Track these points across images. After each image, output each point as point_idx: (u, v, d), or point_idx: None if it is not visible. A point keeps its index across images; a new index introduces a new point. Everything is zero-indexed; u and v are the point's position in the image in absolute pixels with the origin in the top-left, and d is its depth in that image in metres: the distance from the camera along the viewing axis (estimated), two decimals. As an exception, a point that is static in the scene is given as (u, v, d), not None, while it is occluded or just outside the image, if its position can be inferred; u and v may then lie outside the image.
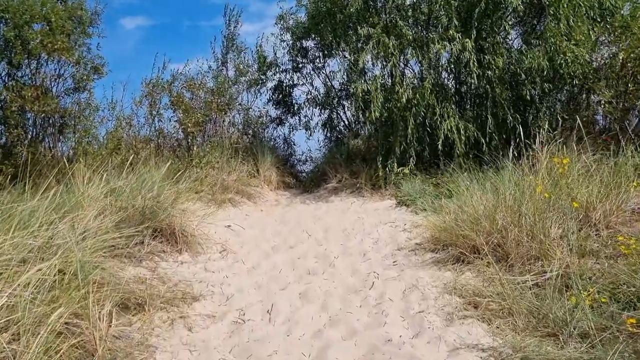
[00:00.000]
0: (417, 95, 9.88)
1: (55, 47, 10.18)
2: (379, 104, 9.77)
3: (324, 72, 14.26)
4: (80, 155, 10.97)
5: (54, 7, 9.83)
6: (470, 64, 9.48)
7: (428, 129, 10.27)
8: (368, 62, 10.03)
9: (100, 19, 11.78)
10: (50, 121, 11.83)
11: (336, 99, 13.67)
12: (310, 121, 13.67)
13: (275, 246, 7.01)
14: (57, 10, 9.74)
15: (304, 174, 14.46)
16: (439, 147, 9.70)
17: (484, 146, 9.77)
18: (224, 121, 12.39)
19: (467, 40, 9.50)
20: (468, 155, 9.91)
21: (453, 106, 10.12)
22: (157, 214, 6.48)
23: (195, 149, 11.35)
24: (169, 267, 6.02)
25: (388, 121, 10.60)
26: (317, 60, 14.04)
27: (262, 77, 14.16)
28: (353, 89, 10.61)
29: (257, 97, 14.24)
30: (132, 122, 12.16)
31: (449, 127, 9.80)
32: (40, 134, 11.72)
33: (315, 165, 13.32)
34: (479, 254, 5.42)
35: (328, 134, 13.86)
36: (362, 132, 13.23)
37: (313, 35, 13.63)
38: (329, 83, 14.10)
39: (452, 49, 9.51)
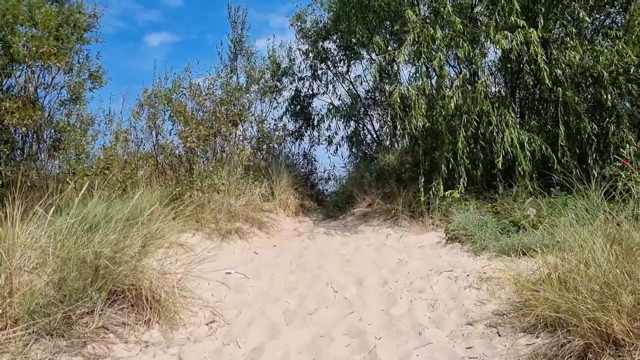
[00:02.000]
0: (468, 101, 7.63)
1: (41, 51, 8.33)
2: (422, 111, 7.54)
3: (347, 78, 12.06)
4: (67, 176, 8.93)
5: (41, 7, 8.01)
6: (539, 59, 7.19)
7: (481, 142, 7.98)
8: (405, 59, 7.72)
9: (99, 23, 9.90)
10: (43, 136, 9.98)
11: (362, 109, 11.43)
12: (335, 135, 11.42)
13: (287, 311, 4.80)
14: (46, 11, 7.90)
15: (326, 196, 12.24)
16: (498, 165, 7.39)
17: (555, 163, 7.45)
18: (232, 135, 10.22)
19: (532, 30, 7.23)
20: (533, 176, 7.60)
21: (512, 114, 7.82)
22: (114, 269, 4.30)
23: (197, 167, 9.19)
24: (126, 354, 3.85)
25: (431, 133, 8.33)
26: (340, 64, 11.85)
27: (278, 83, 11.98)
28: (389, 94, 8.38)
29: (272, 108, 12.09)
30: (129, 137, 10.07)
31: (509, 140, 7.49)
32: (28, 150, 9.82)
33: (340, 186, 11.08)
34: (619, 347, 3.18)
35: (354, 150, 11.61)
36: (394, 146, 10.95)
37: (334, 37, 11.47)
38: (353, 91, 11.89)
39: (512, 41, 7.23)
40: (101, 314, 4.16)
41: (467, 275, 5.27)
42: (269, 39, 12.25)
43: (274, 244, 7.96)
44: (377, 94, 11.68)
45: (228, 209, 8.78)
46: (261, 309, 4.81)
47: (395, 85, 8.00)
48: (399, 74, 10.06)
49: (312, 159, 12.99)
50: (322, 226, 9.17)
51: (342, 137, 11.28)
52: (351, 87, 12.03)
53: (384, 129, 11.62)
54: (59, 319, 3.95)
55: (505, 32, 7.24)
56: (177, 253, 7.32)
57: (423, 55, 7.68)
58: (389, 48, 9.51)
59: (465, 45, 7.55)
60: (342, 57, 11.77)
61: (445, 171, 7.90)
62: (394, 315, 4.53)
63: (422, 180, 8.08)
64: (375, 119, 11.96)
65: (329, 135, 11.68)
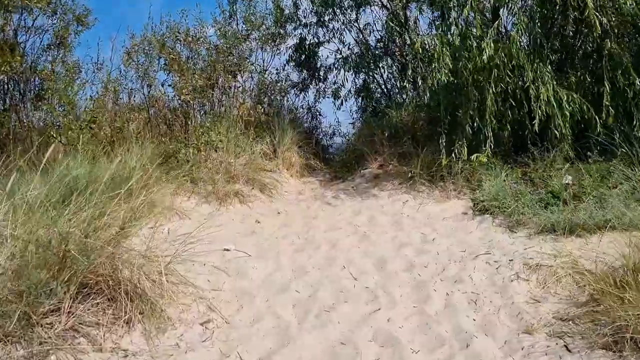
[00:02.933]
0: (501, 52, 6.58)
1: (19, -11, 7.39)
2: (446, 64, 6.51)
3: (356, 26, 10.88)
4: (51, 129, 7.99)
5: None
6: (589, 3, 6.13)
7: (511, 100, 6.97)
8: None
9: None
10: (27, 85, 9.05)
11: (372, 60, 10.29)
12: (342, 87, 10.30)
13: (298, 304, 3.95)
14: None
15: (332, 154, 11.27)
16: (535, 126, 6.44)
17: (598, 125, 6.49)
18: (231, 87, 9.15)
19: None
20: (571, 139, 6.66)
21: (549, 68, 6.79)
22: (84, 258, 3.41)
23: (192, 122, 8.19)
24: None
25: (455, 88, 7.32)
26: (348, 10, 10.65)
27: (280, 31, 10.81)
28: (410, 44, 7.33)
29: (274, 57, 10.94)
30: (118, 88, 9.03)
31: (546, 99, 6.51)
32: (10, 101, 8.89)
33: (348, 143, 10.07)
34: None
35: (363, 104, 10.54)
36: (406, 101, 9.90)
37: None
38: (363, 40, 10.74)
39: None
40: (70, 313, 3.30)
41: (510, 260, 4.40)
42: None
43: (278, 209, 7.06)
44: (389, 44, 10.54)
45: (227, 169, 7.87)
46: (267, 302, 3.97)
47: (418, 34, 6.90)
48: (417, 22, 8.99)
49: (317, 113, 11.96)
50: (329, 189, 8.26)
51: (350, 90, 10.20)
52: (360, 35, 10.87)
53: (397, 82, 10.54)
54: (16, 319, 3.09)
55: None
56: (170, 220, 6.46)
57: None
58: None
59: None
60: (350, 2, 10.57)
61: (470, 131, 6.94)
62: (429, 315, 3.68)
63: (444, 140, 7.11)
64: (386, 71, 10.86)
65: (336, 88, 10.56)
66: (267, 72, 10.72)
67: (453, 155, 7.02)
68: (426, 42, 6.74)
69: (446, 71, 6.57)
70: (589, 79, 7.22)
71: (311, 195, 7.96)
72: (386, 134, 8.88)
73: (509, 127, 7.03)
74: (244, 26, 10.74)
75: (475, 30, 6.88)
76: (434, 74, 6.72)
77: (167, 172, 7.56)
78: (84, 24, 9.30)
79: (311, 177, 9.32)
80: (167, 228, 5.97)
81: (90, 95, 9.04)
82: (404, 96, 10.79)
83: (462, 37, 6.87)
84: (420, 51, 6.65)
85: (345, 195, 7.71)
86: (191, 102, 8.03)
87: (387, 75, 10.69)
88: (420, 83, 7.48)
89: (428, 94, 6.92)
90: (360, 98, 10.32)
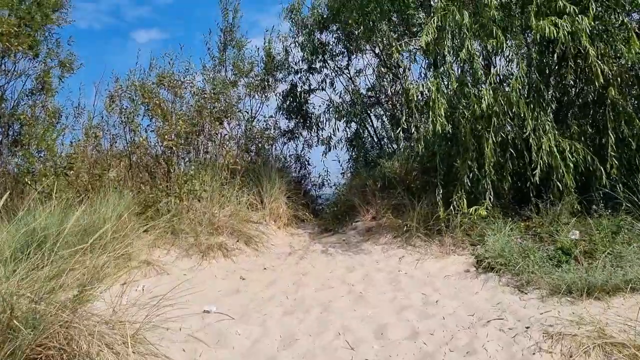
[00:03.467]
0: (500, 100, 6.25)
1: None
2: (442, 112, 6.15)
3: (347, 73, 10.62)
4: (25, 175, 7.46)
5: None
6: (590, 52, 5.84)
7: (511, 150, 6.59)
8: (428, 45, 6.28)
9: (69, 3, 8.52)
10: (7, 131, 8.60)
11: (363, 109, 9.96)
12: (333, 136, 9.91)
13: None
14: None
15: (321, 205, 10.79)
16: (536, 177, 6.05)
17: (603, 177, 6.11)
18: (217, 134, 8.72)
19: (582, 17, 5.89)
20: (576, 191, 6.27)
21: (550, 117, 6.45)
22: (37, 325, 2.84)
23: (175, 170, 7.69)
24: None
25: (451, 138, 6.96)
26: (339, 57, 10.42)
27: (270, 78, 10.52)
28: (404, 91, 7.01)
29: (262, 104, 10.61)
30: (99, 133, 8.59)
31: (548, 149, 6.14)
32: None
33: (338, 194, 9.60)
34: None
35: (354, 153, 10.14)
36: (398, 151, 9.51)
37: (334, 27, 10.03)
38: (354, 87, 10.44)
39: (560, 30, 5.85)
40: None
41: (527, 327, 3.87)
42: (266, 30, 10.78)
43: (264, 264, 6.51)
44: (380, 92, 10.26)
45: (210, 220, 7.35)
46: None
47: (412, 82, 6.58)
48: (409, 69, 8.70)
49: (306, 162, 11.53)
50: (319, 242, 7.73)
51: (342, 139, 9.81)
52: (350, 83, 10.59)
53: (389, 131, 10.20)
54: None
55: (553, 17, 5.85)
56: (146, 276, 5.88)
57: (447, 44, 6.26)
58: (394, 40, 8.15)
59: (499, 34, 6.15)
60: (341, 49, 10.34)
61: (468, 183, 6.51)
62: (441, 396, 3.10)
63: (440, 192, 6.66)
64: (377, 120, 10.54)
65: (326, 137, 10.16)
66: (255, 120, 10.35)
67: (451, 207, 6.57)
68: (420, 90, 6.34)
69: (442, 120, 6.18)
70: (589, 129, 6.91)
71: (300, 249, 7.41)
72: (378, 185, 8.45)
73: (509, 178, 6.60)
74: (232, 72, 10.48)
75: (469, 78, 6.59)
76: (429, 123, 6.33)
77: (146, 222, 7.03)
78: (68, 69, 8.93)
79: (300, 229, 8.80)
80: (142, 285, 5.39)
81: (70, 141, 8.60)
82: (396, 146, 10.45)
83: (459, 84, 6.54)
84: (415, 99, 6.28)
85: (337, 249, 7.19)
86: (174, 148, 7.56)
87: (379, 124, 10.37)
88: (413, 132, 7.06)
89: (422, 144, 6.45)
90: (351, 147, 9.91)
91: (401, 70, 9.68)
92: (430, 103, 6.29)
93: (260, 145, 9.90)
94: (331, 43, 10.31)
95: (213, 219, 7.40)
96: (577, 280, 4.42)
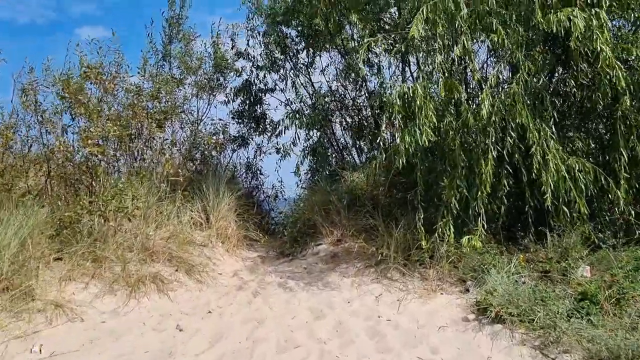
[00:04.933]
0: (499, 107, 5.14)
1: None
2: (429, 120, 4.99)
3: (308, 74, 9.34)
4: None
5: None
6: (607, 53, 4.80)
7: (507, 167, 5.48)
8: (419, 38, 5.08)
9: None
10: None
11: (326, 114, 8.67)
12: (293, 144, 8.55)
13: None
14: None
15: (276, 222, 9.46)
16: (547, 200, 4.98)
17: (620, 202, 5.11)
18: (155, 139, 7.24)
19: (598, 11, 4.89)
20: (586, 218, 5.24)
21: (553, 129, 5.40)
22: None
23: (101, 181, 6.19)
24: None
25: (437, 151, 5.81)
26: (301, 54, 9.15)
27: (220, 77, 9.13)
28: (379, 95, 5.84)
29: (210, 106, 9.19)
30: (10, 135, 6.93)
31: (555, 167, 5.07)
32: None
33: (296, 211, 8.28)
34: None
35: (315, 164, 8.84)
36: (367, 162, 8.29)
37: (295, 21, 8.74)
38: (316, 90, 9.17)
39: (572, 25, 4.80)
40: None
41: None
42: (213, 23, 9.39)
43: (209, 304, 5.18)
44: (345, 97, 9.05)
45: (143, 244, 6.00)
46: None
47: (392, 84, 5.40)
48: (389, 68, 7.53)
49: (258, 172, 10.18)
50: (275, 271, 6.44)
51: (304, 148, 8.47)
52: (311, 85, 9.31)
53: (355, 140, 9.00)
54: None
55: (570, 9, 4.77)
56: (51, 323, 4.43)
57: (439, 39, 5.09)
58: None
59: (499, 28, 5.04)
60: (303, 46, 9.06)
61: (456, 206, 5.36)
62: None
63: (421, 216, 5.49)
64: (339, 126, 9.31)
65: (283, 144, 8.80)
66: (202, 123, 8.92)
67: (436, 235, 5.40)
68: (404, 92, 5.14)
69: (429, 129, 5.02)
70: (592, 144, 5.92)
71: (253, 280, 6.11)
72: (344, 202, 7.21)
73: (504, 200, 5.49)
74: (178, 69, 9.02)
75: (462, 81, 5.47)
76: (412, 133, 5.14)
77: (61, 248, 5.57)
78: None
79: (251, 252, 7.49)
80: (38, 345, 3.95)
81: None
82: (358, 157, 9.27)
83: (448, 88, 5.38)
84: (399, 103, 5.09)
85: (297, 281, 5.92)
86: (99, 155, 6.07)
87: (339, 132, 9.15)
88: (386, 143, 5.84)
89: (404, 157, 5.22)
90: (312, 157, 8.62)
91: (369, 72, 8.52)
92: (415, 109, 5.12)
93: (207, 152, 8.48)
94: (293, 37, 9.00)
95: (147, 243, 6.00)
96: (629, 347, 3.29)
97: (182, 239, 6.43)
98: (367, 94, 8.73)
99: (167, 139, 7.64)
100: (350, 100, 9.07)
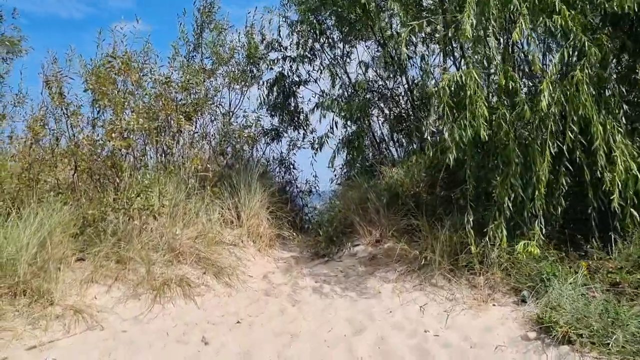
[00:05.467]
0: (559, 98, 4.53)
1: None
2: (482, 113, 4.43)
3: (343, 64, 8.80)
4: None
5: None
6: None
7: (567, 164, 4.86)
8: (471, 26, 4.47)
9: None
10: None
11: (365, 104, 8.10)
12: (328, 136, 7.99)
13: None
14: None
15: (308, 216, 9.01)
16: (614, 202, 4.37)
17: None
18: (184, 132, 6.83)
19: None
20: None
21: (621, 122, 4.76)
22: None
23: (126, 177, 5.83)
24: None
25: (486, 147, 5.22)
26: (338, 44, 8.62)
27: (253, 68, 8.68)
28: (434, 84, 5.29)
29: (243, 97, 8.76)
30: (38, 128, 6.62)
31: (623, 165, 4.45)
32: None
33: (330, 207, 7.77)
34: None
35: (350, 158, 8.31)
36: (409, 157, 7.72)
37: (330, 9, 8.21)
38: (353, 80, 8.64)
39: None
40: None
41: None
42: (248, 12, 8.90)
43: (238, 313, 4.72)
44: (384, 87, 8.50)
45: (170, 244, 5.60)
46: None
47: (445, 71, 4.84)
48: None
49: (291, 166, 9.74)
50: (310, 274, 5.97)
51: (340, 141, 7.92)
52: (346, 76, 8.77)
53: (395, 134, 8.46)
54: None
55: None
56: (70, 330, 4.08)
57: (493, 21, 4.50)
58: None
59: (563, 8, 4.42)
60: (339, 35, 8.53)
61: (510, 207, 4.78)
62: None
63: (471, 217, 4.93)
64: (377, 118, 8.75)
65: (319, 137, 8.29)
66: (234, 115, 8.51)
67: (487, 239, 4.85)
68: (455, 81, 4.55)
69: (482, 123, 4.45)
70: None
71: (285, 284, 5.64)
72: (384, 200, 6.68)
73: (562, 201, 4.87)
74: (209, 60, 8.63)
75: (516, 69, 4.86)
76: (463, 127, 4.59)
77: (83, 248, 5.23)
78: (16, 50, 7.15)
79: (284, 252, 7.04)
80: (51, 357, 3.58)
81: (9, 135, 6.72)
82: (396, 151, 8.72)
83: (503, 77, 4.78)
84: (448, 92, 4.53)
85: (333, 286, 5.44)
86: (125, 149, 5.70)
87: (377, 125, 8.59)
88: (429, 136, 5.24)
89: (454, 153, 4.65)
90: (349, 150, 8.09)
91: (410, 62, 7.95)
92: (466, 100, 4.55)
93: (238, 146, 8.04)
94: (329, 26, 8.47)
95: (173, 243, 5.61)
96: None
97: (211, 238, 6.02)
98: (407, 85, 8.14)
99: (196, 132, 7.24)
100: (388, 91, 8.50)
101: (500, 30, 4.67)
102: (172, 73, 7.29)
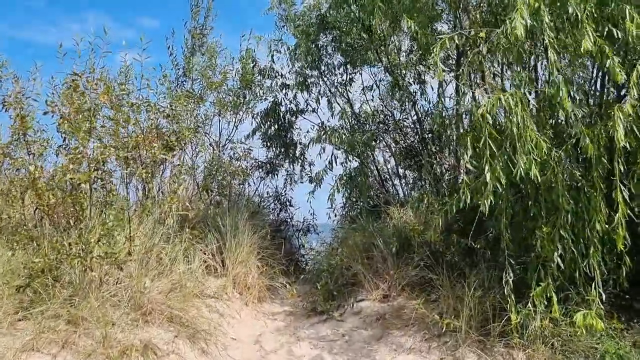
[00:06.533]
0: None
1: None
2: (540, 147, 3.38)
3: (346, 93, 7.79)
4: None
5: None
6: None
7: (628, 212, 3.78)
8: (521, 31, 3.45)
9: None
10: None
11: (370, 137, 7.04)
12: (326, 171, 6.87)
13: None
14: None
15: (305, 259, 7.88)
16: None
17: None
18: (161, 165, 5.74)
19: None
20: None
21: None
22: None
23: (87, 217, 4.70)
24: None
25: (524, 191, 4.16)
26: (339, 71, 7.63)
27: (248, 93, 7.66)
28: (470, 107, 4.23)
29: (236, 128, 7.72)
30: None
31: None
32: None
33: (331, 253, 6.60)
34: None
35: (353, 197, 7.21)
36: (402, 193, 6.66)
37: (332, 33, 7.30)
38: (356, 111, 7.63)
39: None
40: None
41: None
42: (242, 35, 7.90)
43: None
44: (389, 118, 7.47)
45: (136, 300, 4.40)
46: None
47: (481, 95, 3.80)
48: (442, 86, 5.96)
49: (287, 203, 8.63)
50: (307, 337, 4.84)
51: (339, 177, 6.81)
52: (349, 105, 7.74)
53: (402, 169, 7.40)
54: None
55: None
56: None
57: (547, 29, 3.47)
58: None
59: (635, 17, 3.41)
60: (340, 60, 7.55)
61: (560, 264, 3.71)
62: None
63: (510, 276, 3.84)
64: (381, 152, 7.69)
65: (317, 172, 7.17)
66: (222, 147, 7.43)
67: (530, 305, 3.75)
68: (504, 103, 3.51)
69: (535, 157, 3.40)
70: None
71: (275, 351, 4.48)
72: (392, 248, 5.56)
73: (627, 258, 3.79)
74: (199, 85, 7.63)
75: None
76: (500, 165, 3.53)
77: (28, 305, 4.13)
78: None
79: (276, 304, 5.90)
80: None
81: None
82: (401, 190, 7.63)
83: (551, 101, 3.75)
84: (490, 120, 3.50)
85: (335, 355, 4.27)
86: (83, 184, 4.58)
87: (388, 159, 7.52)
88: (463, 175, 4.17)
89: (491, 198, 3.58)
90: (350, 188, 7.00)
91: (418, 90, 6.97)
92: (512, 130, 3.50)
93: (225, 181, 6.91)
94: (329, 50, 7.49)
95: (141, 298, 4.45)
96: None
97: (189, 291, 4.87)
98: (417, 116, 7.11)
99: (178, 165, 6.15)
100: (394, 123, 7.47)
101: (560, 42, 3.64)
102: (157, 98, 6.29)
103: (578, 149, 3.93)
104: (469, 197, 3.67)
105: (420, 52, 6.70)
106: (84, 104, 4.89)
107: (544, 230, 3.84)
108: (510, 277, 3.86)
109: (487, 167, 3.45)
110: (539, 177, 3.45)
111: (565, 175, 3.89)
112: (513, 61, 4.13)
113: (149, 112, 5.97)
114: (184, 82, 7.92)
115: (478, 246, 4.83)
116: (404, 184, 7.73)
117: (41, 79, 5.37)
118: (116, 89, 5.44)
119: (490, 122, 3.54)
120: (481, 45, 4.09)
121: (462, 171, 3.69)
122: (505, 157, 3.65)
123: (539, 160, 3.46)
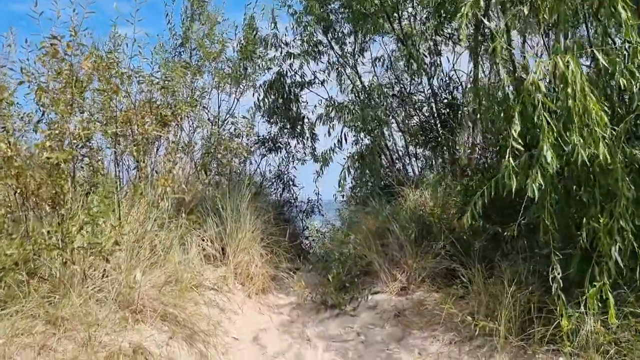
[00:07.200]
0: None
1: None
2: (602, 121, 2.73)
3: (355, 64, 7.07)
4: None
5: None
6: None
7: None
8: None
9: None
10: None
11: (384, 112, 6.36)
12: (335, 148, 6.22)
13: None
14: None
15: (310, 242, 7.30)
16: None
17: None
18: (155, 141, 5.08)
19: None
20: None
21: None
22: None
23: (69, 202, 4.05)
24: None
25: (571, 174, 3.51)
26: (348, 39, 6.92)
27: (248, 64, 6.95)
28: (511, 76, 3.57)
29: (235, 103, 7.04)
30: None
31: None
32: None
33: (342, 244, 5.93)
34: None
35: (364, 177, 6.58)
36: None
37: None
38: (367, 83, 6.94)
39: None
40: None
41: None
42: (247, 4, 7.15)
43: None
44: (404, 92, 6.78)
45: (125, 296, 3.79)
46: None
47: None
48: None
49: (290, 183, 8.00)
50: (317, 336, 4.24)
51: (351, 155, 6.13)
52: (357, 77, 7.04)
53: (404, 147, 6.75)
54: None
55: None
56: None
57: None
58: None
59: None
60: (350, 29, 6.83)
61: (619, 260, 3.10)
62: None
63: (558, 272, 3.24)
64: (393, 129, 7.00)
65: (322, 152, 6.50)
66: (223, 122, 6.76)
67: (582, 307, 3.16)
68: (562, 69, 2.86)
69: (602, 134, 2.77)
70: None
71: (282, 354, 3.90)
72: (411, 234, 4.94)
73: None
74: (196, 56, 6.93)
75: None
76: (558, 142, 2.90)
77: (4, 302, 3.54)
78: None
79: (281, 296, 5.31)
80: None
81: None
82: (414, 170, 6.98)
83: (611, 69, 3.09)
84: (542, 88, 2.85)
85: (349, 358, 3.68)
86: (63, 164, 3.92)
87: (400, 137, 6.84)
88: (510, 158, 3.48)
89: (541, 181, 2.95)
90: (361, 167, 6.35)
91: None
92: (568, 102, 2.85)
93: (227, 160, 6.26)
94: (339, 19, 6.76)
95: (130, 294, 3.84)
96: None
97: (185, 284, 4.27)
98: (432, 89, 6.42)
99: (173, 142, 5.49)
100: (408, 97, 6.79)
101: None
102: (151, 68, 5.61)
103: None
104: (514, 180, 3.03)
105: (439, 19, 6.03)
106: (64, 71, 4.23)
107: (602, 221, 3.21)
108: (559, 274, 3.25)
109: (545, 145, 2.81)
110: (608, 159, 2.82)
111: (625, 155, 3.26)
112: (561, 21, 3.45)
113: (142, 84, 5.32)
114: (182, 53, 7.23)
115: (510, 235, 4.21)
116: (415, 163, 7.10)
117: (16, 47, 4.75)
118: (105, 58, 4.77)
119: (544, 91, 2.89)
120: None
121: (507, 154, 3.01)
122: (555, 134, 3.02)
123: (605, 137, 2.82)
